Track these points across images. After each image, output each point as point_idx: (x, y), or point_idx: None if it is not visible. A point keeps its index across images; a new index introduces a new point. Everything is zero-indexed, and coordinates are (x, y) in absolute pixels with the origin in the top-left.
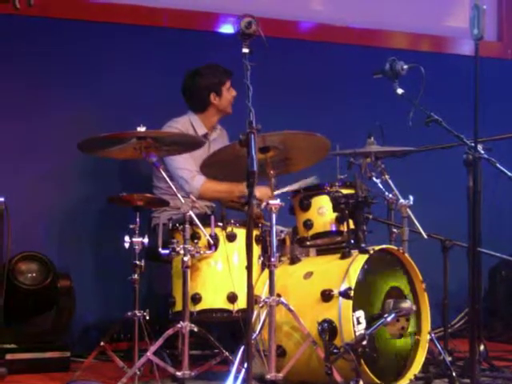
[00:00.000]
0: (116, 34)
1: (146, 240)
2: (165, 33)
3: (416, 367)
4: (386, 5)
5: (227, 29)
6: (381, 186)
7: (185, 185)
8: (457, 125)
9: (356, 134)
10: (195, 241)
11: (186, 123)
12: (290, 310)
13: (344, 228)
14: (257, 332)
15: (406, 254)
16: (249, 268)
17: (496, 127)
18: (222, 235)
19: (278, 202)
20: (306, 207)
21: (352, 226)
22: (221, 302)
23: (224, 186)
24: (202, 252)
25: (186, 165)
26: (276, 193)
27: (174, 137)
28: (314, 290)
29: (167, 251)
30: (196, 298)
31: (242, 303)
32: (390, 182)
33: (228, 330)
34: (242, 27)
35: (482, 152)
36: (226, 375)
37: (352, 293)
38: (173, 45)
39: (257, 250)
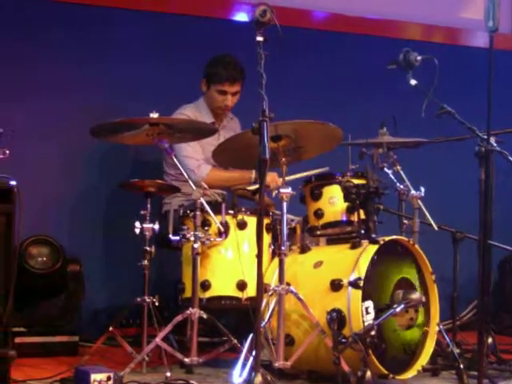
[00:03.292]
0: (130, 20)
1: (156, 226)
2: (179, 20)
3: (424, 359)
4: None
5: (242, 17)
6: (392, 177)
7: (190, 174)
8: (470, 117)
9: (369, 124)
10: (206, 228)
11: (195, 110)
12: (299, 298)
13: (355, 218)
14: (266, 320)
15: (417, 246)
16: (259, 256)
17: (509, 120)
18: (232, 223)
19: (289, 190)
20: (317, 196)
21: (363, 216)
22: (230, 290)
23: (230, 174)
24: (212, 239)
25: (193, 153)
26: (286, 179)
27: (186, 124)
28: (324, 280)
29: (177, 238)
30: (205, 285)
31: (251, 291)
32: (401, 172)
33: (237, 317)
34: (257, 15)
35: (495, 145)
36: (234, 363)
37: (361, 283)
38: (187, 32)
39: (267, 238)
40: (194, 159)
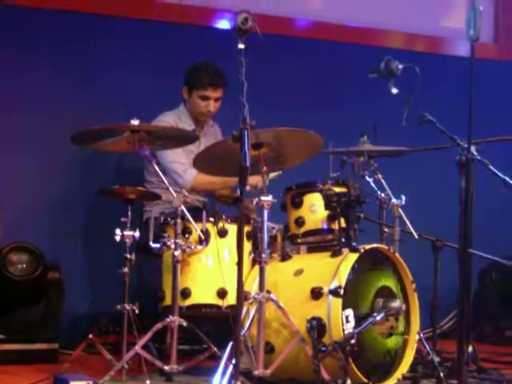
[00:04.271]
0: (111, 27)
1: (137, 234)
2: (161, 27)
3: (404, 367)
4: (383, 4)
5: (223, 24)
6: (373, 185)
7: (178, 178)
8: (451, 126)
9: (349, 133)
10: (186, 235)
11: (176, 117)
12: (279, 306)
13: (335, 226)
14: (246, 328)
15: (397, 254)
16: (239, 264)
17: (490, 129)
18: (213, 230)
19: (270, 198)
20: (297, 204)
21: (343, 224)
22: (210, 298)
23: (217, 177)
24: (192, 247)
25: (178, 158)
26: (270, 176)
27: (167, 131)
28: (304, 288)
29: (158, 245)
30: (185, 293)
31: (231, 299)
32: (382, 181)
33: (217, 325)
34: (239, 23)
35: (475, 153)
36: (213, 370)
37: (342, 291)
38: (168, 39)
39: (248, 246)
40: (180, 163)
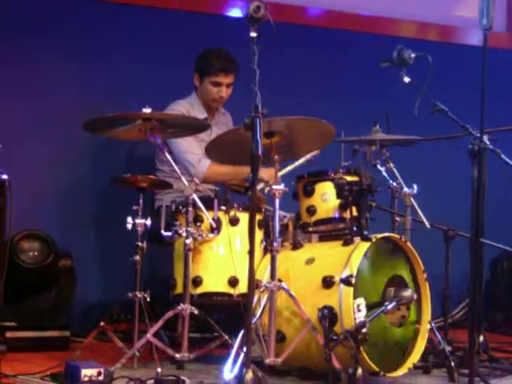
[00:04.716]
0: (124, 15)
1: (148, 222)
2: (173, 15)
3: (415, 356)
4: None
5: (236, 12)
6: (385, 174)
7: (191, 168)
8: (463, 115)
9: (361, 122)
10: (198, 224)
11: (188, 106)
12: (290, 295)
13: (347, 215)
14: (257, 316)
15: (409, 243)
16: (251, 252)
17: (503, 118)
18: (224, 219)
19: (281, 187)
20: (309, 193)
21: (355, 213)
22: (222, 286)
23: (229, 168)
24: (204, 235)
25: (191, 148)
26: (281, 173)
27: (178, 119)
28: (316, 276)
29: (169, 233)
30: (197, 281)
31: (243, 287)
32: (394, 170)
33: (228, 313)
34: (251, 11)
35: (488, 143)
36: (225, 359)
37: (353, 280)
38: (181, 27)
39: (259, 234)
40: (193, 154)
